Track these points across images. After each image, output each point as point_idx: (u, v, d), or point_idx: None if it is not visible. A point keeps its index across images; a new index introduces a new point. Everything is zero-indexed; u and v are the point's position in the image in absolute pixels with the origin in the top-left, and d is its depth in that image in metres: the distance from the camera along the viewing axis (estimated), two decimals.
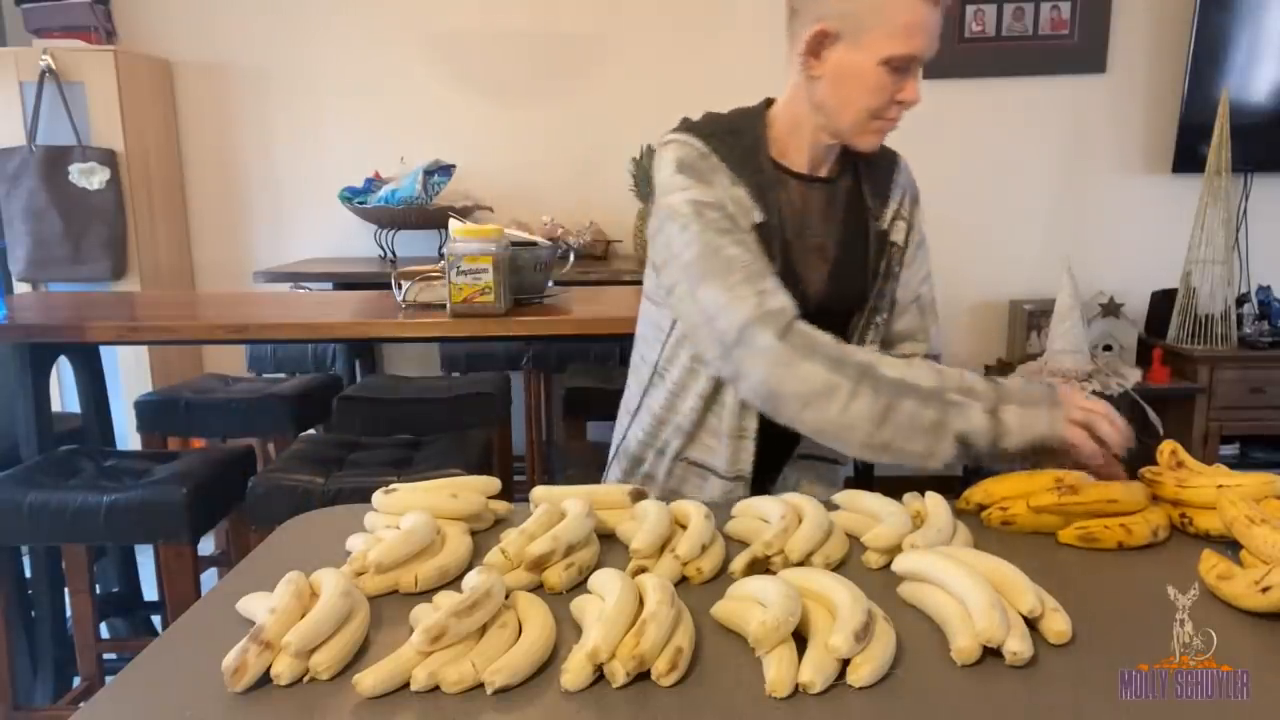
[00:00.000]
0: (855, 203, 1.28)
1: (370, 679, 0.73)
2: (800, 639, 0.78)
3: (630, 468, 1.38)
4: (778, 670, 0.73)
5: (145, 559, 2.54)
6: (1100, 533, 0.99)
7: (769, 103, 1.29)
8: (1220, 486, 1.00)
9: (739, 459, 1.28)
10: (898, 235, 1.30)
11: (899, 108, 1.16)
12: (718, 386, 1.26)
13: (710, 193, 1.18)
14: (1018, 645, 0.75)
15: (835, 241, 1.27)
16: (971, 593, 0.80)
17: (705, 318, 1.16)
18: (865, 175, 1.28)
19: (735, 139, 1.22)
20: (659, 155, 1.24)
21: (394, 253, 3.28)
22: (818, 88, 1.18)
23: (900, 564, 0.91)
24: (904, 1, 1.09)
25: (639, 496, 1.07)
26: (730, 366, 1.15)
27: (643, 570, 0.91)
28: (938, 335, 1.39)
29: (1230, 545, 0.96)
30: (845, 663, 0.74)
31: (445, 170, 3.17)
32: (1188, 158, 3.24)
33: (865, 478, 3.26)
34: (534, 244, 2.10)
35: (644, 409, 1.35)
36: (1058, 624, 0.80)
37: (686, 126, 1.24)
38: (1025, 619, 0.80)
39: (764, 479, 1.32)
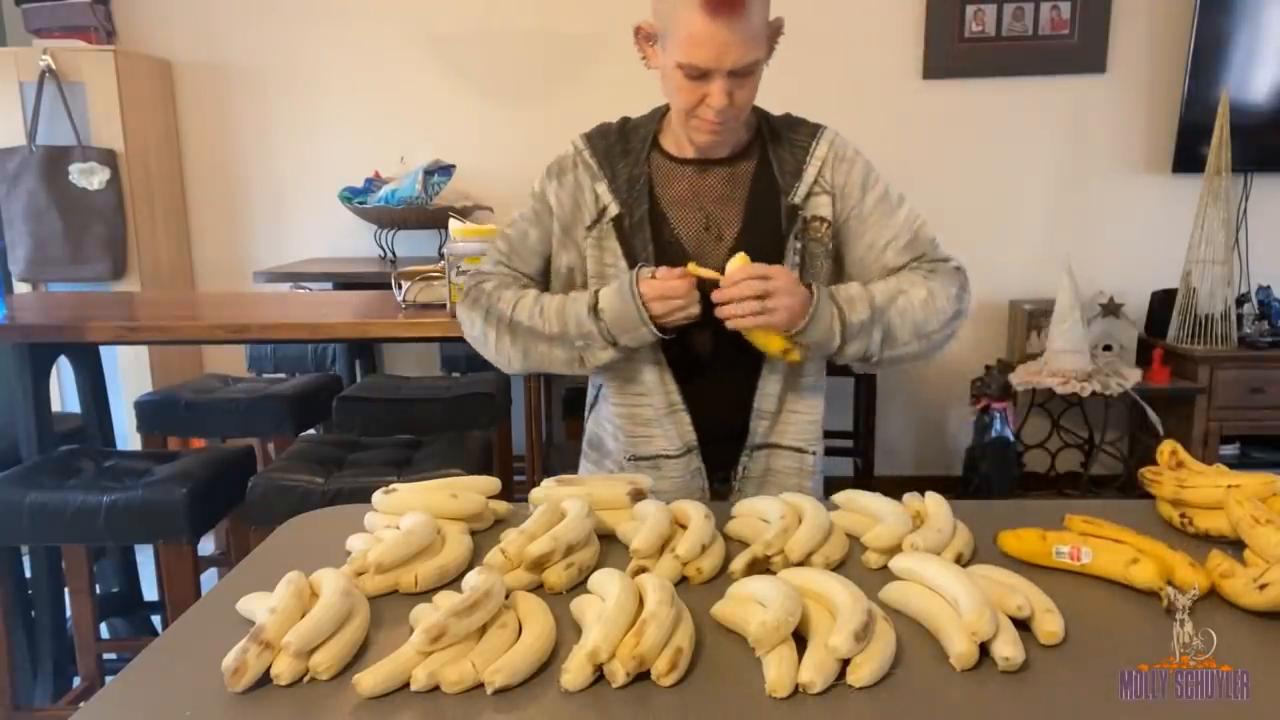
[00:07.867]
0: (764, 181, 1.29)
1: (370, 679, 0.73)
2: (800, 639, 0.78)
3: (597, 458, 1.41)
4: (778, 670, 0.73)
5: (145, 559, 2.54)
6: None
7: None
8: (1229, 487, 1.00)
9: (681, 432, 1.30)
10: (820, 209, 1.27)
11: (709, 110, 1.18)
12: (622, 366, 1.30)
13: (548, 187, 1.34)
14: (1009, 651, 0.75)
15: (738, 221, 1.28)
16: (962, 593, 0.80)
17: None
18: (774, 153, 1.29)
19: (622, 138, 1.32)
20: None
21: (394, 253, 3.28)
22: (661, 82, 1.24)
23: (896, 564, 0.91)
24: (687, 14, 1.11)
25: (639, 496, 1.07)
26: None
27: (643, 570, 0.91)
28: (936, 247, 1.29)
29: (1231, 545, 0.96)
30: (845, 663, 0.74)
31: (445, 170, 3.17)
32: (1188, 158, 3.23)
33: (864, 477, 3.26)
34: None
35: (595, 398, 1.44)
36: (1049, 624, 0.80)
37: (589, 130, 1.35)
38: (1020, 623, 0.80)
39: (722, 469, 1.32)
